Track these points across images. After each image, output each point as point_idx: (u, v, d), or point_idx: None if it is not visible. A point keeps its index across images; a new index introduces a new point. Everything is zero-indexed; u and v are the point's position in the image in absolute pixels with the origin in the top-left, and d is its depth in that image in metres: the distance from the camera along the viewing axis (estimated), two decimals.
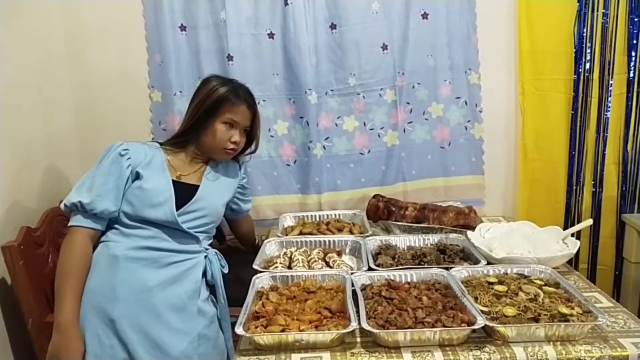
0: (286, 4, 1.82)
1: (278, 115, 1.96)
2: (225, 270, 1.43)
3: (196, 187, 1.38)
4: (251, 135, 1.50)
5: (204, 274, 1.36)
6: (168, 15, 1.84)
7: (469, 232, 1.62)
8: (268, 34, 1.87)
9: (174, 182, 1.35)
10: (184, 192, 1.35)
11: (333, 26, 1.88)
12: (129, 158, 1.30)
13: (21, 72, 1.64)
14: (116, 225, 1.29)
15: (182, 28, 1.87)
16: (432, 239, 1.64)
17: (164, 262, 1.28)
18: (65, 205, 1.25)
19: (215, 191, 1.43)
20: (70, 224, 1.25)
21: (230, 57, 1.86)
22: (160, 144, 1.44)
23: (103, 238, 1.29)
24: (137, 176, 1.31)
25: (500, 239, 1.55)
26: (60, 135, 1.85)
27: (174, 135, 1.46)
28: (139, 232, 1.28)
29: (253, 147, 1.54)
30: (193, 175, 1.42)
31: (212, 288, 1.39)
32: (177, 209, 1.30)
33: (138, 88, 1.92)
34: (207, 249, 1.39)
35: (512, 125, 1.98)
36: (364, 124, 1.97)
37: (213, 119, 1.38)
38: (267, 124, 1.95)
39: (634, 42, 1.84)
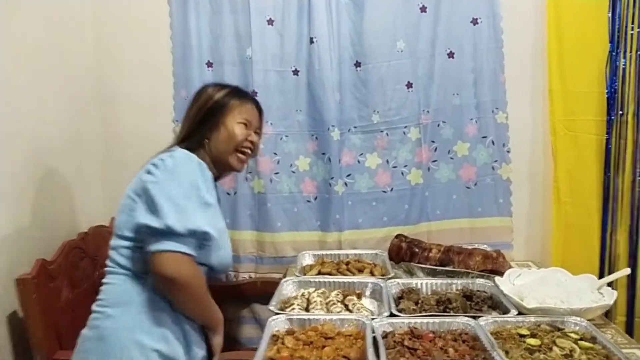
0: (312, 42, 1.84)
1: (300, 151, 1.94)
2: None
3: None
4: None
5: None
6: (196, 52, 1.87)
7: (497, 278, 1.54)
8: (293, 71, 1.89)
9: None
10: None
11: (358, 64, 1.88)
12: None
13: (48, 106, 1.67)
14: None
15: (209, 64, 1.90)
16: (458, 283, 1.56)
17: None
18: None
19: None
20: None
21: (254, 93, 1.87)
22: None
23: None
24: None
25: (531, 287, 1.45)
26: (82, 167, 1.87)
27: (181, 139, 1.26)
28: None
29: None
30: None
31: None
32: None
33: (163, 122, 1.93)
34: None
35: (541, 167, 1.91)
36: (387, 161, 1.93)
37: (224, 120, 1.25)
38: (289, 159, 1.94)
39: None
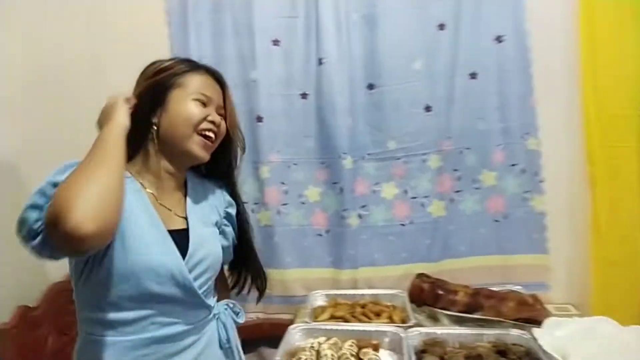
0: (320, 63, 1.70)
1: (309, 180, 1.78)
2: (242, 320, 1.17)
3: (184, 228, 1.04)
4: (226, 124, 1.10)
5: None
6: None
7: (534, 330, 1.34)
8: (301, 95, 1.74)
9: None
10: (176, 238, 1.00)
11: (371, 86, 1.73)
12: None
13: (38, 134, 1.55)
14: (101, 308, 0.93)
15: None
16: (489, 334, 1.36)
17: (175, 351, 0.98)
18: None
19: (206, 229, 1.09)
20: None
21: (259, 118, 1.73)
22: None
23: (87, 328, 0.96)
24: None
25: (574, 340, 1.26)
26: None
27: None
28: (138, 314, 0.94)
29: (241, 137, 1.17)
30: (173, 205, 1.06)
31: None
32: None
33: None
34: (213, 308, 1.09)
35: (579, 198, 1.70)
36: (405, 191, 1.76)
37: (173, 97, 1.01)
38: (298, 189, 1.78)
39: None
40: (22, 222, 0.84)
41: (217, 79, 1.10)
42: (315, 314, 1.57)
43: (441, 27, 1.69)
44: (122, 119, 0.94)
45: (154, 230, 0.98)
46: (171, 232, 1.00)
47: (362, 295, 1.69)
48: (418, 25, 1.70)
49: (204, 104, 1.04)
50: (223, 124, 1.08)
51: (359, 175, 1.76)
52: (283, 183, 1.78)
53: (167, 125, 1.02)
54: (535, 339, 1.29)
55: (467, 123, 1.72)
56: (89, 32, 1.79)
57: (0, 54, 1.39)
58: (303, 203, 1.79)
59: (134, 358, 0.94)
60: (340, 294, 1.71)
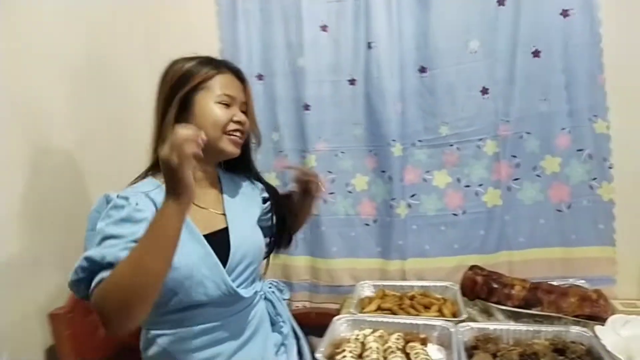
0: (369, 47, 1.64)
1: (357, 168, 1.74)
2: (287, 296, 1.24)
3: (224, 226, 1.06)
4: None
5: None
6: (246, 65, 1.73)
7: (597, 327, 1.24)
8: (349, 81, 1.70)
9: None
10: (216, 242, 1.02)
11: (423, 69, 1.65)
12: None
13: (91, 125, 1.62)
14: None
15: (259, 77, 1.77)
16: (547, 331, 1.27)
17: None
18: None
19: (246, 222, 1.12)
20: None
21: (306, 107, 1.71)
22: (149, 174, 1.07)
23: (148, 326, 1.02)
24: None
25: None
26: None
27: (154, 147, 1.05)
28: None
29: (258, 131, 1.18)
30: (210, 203, 1.08)
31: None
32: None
33: None
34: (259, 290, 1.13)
35: None
36: (458, 179, 1.68)
37: (197, 101, 1.02)
38: (345, 178, 1.75)
39: None
40: (72, 287, 0.89)
41: (238, 75, 1.11)
42: (362, 304, 1.54)
43: (500, 2, 1.58)
44: (191, 193, 0.83)
45: (192, 240, 0.98)
46: (211, 235, 1.02)
47: (412, 286, 1.65)
48: (474, 2, 1.59)
49: (228, 105, 1.05)
50: (247, 120, 1.09)
51: (409, 163, 1.69)
52: (330, 172, 1.75)
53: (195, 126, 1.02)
54: (597, 338, 1.20)
55: (528, 105, 1.60)
56: (141, 24, 1.83)
57: (60, 47, 1.45)
58: (350, 192, 1.75)
59: (193, 345, 1.00)
60: (389, 285, 1.67)
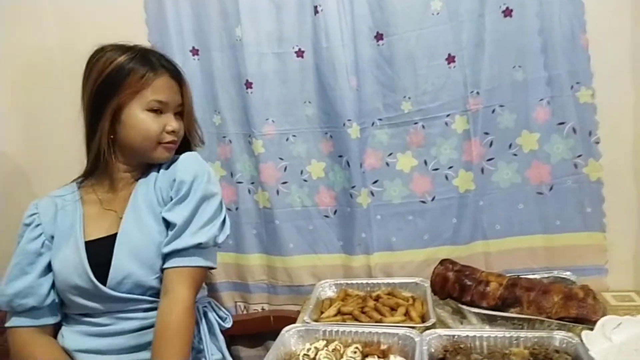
0: (316, 11, 1.41)
1: (312, 154, 1.53)
2: (228, 325, 1.24)
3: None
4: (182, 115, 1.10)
5: None
6: (176, 37, 1.51)
7: (584, 333, 1.05)
8: (295, 52, 1.47)
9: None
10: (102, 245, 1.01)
11: (379, 36, 1.43)
12: (39, 225, 1.02)
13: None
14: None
15: (194, 51, 1.54)
16: (527, 337, 1.09)
17: None
18: None
19: (145, 223, 1.03)
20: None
21: (248, 84, 1.48)
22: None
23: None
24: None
25: (637, 345, 0.99)
26: None
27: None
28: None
29: (199, 132, 1.17)
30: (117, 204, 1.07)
31: None
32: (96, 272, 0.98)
33: None
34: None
35: None
36: (425, 162, 1.47)
37: (125, 109, 0.98)
38: (299, 165, 1.54)
39: None
40: None
41: (175, 75, 1.06)
42: (322, 308, 1.37)
43: None
44: None
45: (71, 247, 1.01)
46: (101, 239, 1.01)
47: (378, 284, 1.46)
48: None
49: (160, 111, 1.02)
50: (182, 125, 1.07)
51: (368, 145, 1.49)
52: (281, 158, 1.54)
53: (124, 137, 1.01)
54: (584, 345, 1.01)
55: (500, 74, 1.39)
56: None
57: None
58: (305, 180, 1.55)
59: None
60: (353, 283, 1.48)
